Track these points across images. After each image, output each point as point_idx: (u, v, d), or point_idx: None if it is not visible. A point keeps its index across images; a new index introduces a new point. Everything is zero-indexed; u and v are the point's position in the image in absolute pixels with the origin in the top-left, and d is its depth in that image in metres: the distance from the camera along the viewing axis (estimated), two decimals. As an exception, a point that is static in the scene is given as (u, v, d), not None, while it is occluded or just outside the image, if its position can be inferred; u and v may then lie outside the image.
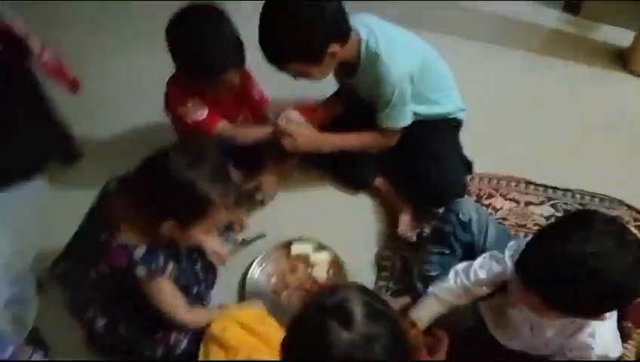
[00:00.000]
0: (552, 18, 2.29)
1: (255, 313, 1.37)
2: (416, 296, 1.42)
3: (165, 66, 1.52)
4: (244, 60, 1.50)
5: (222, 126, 1.58)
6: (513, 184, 1.78)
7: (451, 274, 1.29)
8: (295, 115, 1.62)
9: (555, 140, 1.89)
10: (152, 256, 1.20)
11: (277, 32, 1.38)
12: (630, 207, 1.69)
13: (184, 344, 1.32)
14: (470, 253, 1.40)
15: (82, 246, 1.34)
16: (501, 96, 2.01)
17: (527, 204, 1.73)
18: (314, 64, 1.44)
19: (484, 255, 1.27)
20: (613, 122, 1.94)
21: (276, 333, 1.39)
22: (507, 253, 1.24)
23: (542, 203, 1.73)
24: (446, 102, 1.68)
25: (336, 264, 1.57)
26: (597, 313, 1.01)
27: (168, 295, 1.25)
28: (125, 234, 1.20)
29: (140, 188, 1.18)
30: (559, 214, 1.69)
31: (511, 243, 1.27)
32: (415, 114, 1.60)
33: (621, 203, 1.70)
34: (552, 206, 1.72)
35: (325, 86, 1.71)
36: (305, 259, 1.60)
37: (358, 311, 0.80)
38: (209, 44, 1.43)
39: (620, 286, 0.94)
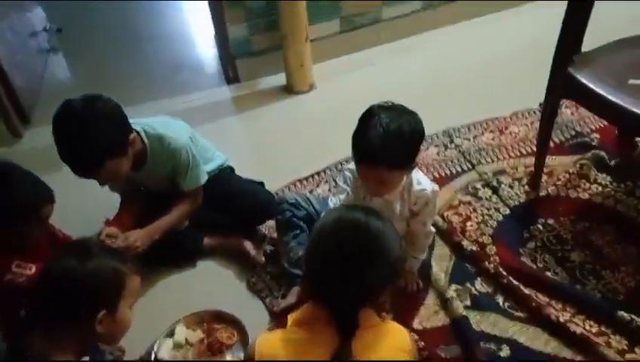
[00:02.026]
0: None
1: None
2: (302, 278, 1.72)
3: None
4: (52, 192, 1.57)
5: None
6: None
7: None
8: (113, 230, 1.74)
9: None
10: (99, 354, 1.21)
11: (85, 138, 1.53)
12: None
13: None
14: (311, 221, 1.75)
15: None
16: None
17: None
18: (123, 156, 1.63)
19: (329, 199, 1.65)
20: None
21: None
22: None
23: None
24: (216, 157, 2.03)
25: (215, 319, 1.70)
26: (413, 159, 1.48)
27: None
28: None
29: (58, 307, 1.18)
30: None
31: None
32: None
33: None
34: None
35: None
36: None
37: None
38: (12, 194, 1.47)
39: (414, 132, 1.43)
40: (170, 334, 1.67)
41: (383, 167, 1.41)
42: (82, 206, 2.07)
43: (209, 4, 2.81)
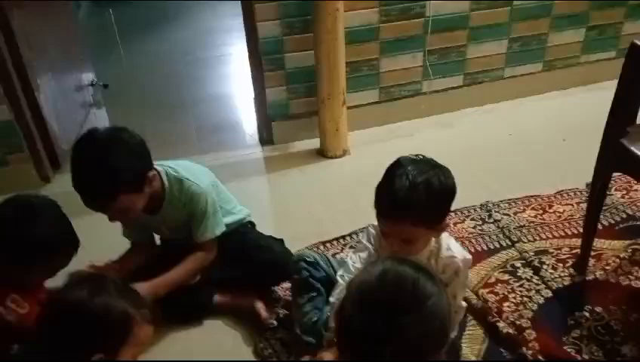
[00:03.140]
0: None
1: None
2: (315, 346, 1.55)
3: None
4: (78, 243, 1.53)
5: None
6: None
7: (339, 279, 1.48)
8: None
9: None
10: None
11: (102, 166, 1.47)
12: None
13: None
14: (330, 284, 1.61)
15: None
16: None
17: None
18: (139, 193, 1.55)
19: (348, 256, 1.51)
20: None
21: None
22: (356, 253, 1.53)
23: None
24: (237, 211, 1.93)
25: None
26: (441, 218, 1.35)
27: None
28: None
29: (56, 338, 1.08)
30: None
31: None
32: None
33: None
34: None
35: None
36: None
37: None
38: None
39: (443, 186, 1.31)
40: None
41: (407, 222, 1.28)
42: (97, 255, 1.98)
43: (250, 67, 2.84)
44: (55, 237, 1.48)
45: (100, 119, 3.37)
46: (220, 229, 1.77)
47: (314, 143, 2.80)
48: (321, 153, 2.76)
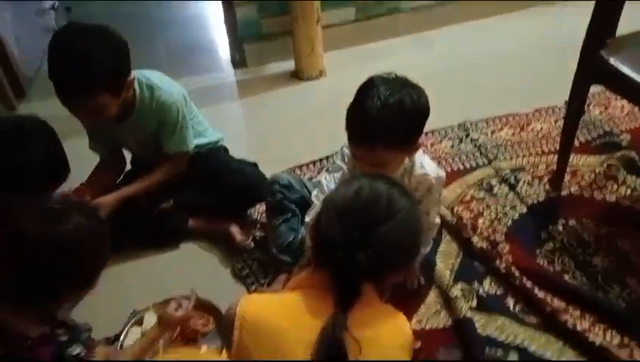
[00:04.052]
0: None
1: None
2: (291, 265, 1.55)
3: None
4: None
5: None
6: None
7: (314, 199, 1.47)
8: None
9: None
10: (74, 330, 1.08)
11: (88, 56, 1.40)
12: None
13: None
14: (305, 206, 1.59)
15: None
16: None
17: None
18: (117, 96, 1.49)
19: (323, 177, 1.48)
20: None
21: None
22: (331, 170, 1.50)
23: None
24: (209, 134, 1.87)
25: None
26: (414, 139, 1.30)
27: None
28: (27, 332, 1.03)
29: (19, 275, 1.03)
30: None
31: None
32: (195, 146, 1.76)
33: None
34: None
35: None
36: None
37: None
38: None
39: (417, 107, 1.27)
40: (139, 322, 1.50)
41: (378, 146, 1.23)
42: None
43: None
44: (51, 162, 1.40)
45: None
46: (190, 143, 1.73)
47: (288, 65, 2.71)
48: (296, 75, 2.68)
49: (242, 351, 0.96)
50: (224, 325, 1.03)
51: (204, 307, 1.52)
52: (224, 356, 1.16)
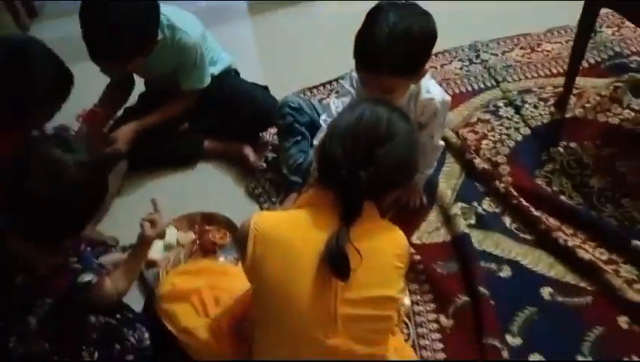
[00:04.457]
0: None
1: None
2: (301, 185, 1.65)
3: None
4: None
5: None
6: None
7: (322, 123, 1.53)
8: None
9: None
10: (86, 259, 1.17)
11: (122, 32, 1.48)
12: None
13: (146, 335, 1.29)
14: (314, 128, 1.66)
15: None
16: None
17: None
18: (146, 56, 1.60)
19: (332, 101, 1.54)
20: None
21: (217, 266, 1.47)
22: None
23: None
24: (221, 59, 1.90)
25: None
26: (420, 66, 1.35)
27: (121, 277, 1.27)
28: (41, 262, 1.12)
29: (34, 208, 1.08)
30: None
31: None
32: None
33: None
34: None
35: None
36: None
37: None
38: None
39: (424, 35, 1.29)
40: (161, 236, 1.61)
41: (385, 72, 1.27)
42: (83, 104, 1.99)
43: None
44: (52, 88, 1.40)
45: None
46: (205, 81, 1.79)
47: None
48: (310, -6, 2.64)
49: (256, 262, 1.06)
50: (239, 238, 1.12)
51: (221, 222, 1.64)
52: (240, 267, 1.28)
